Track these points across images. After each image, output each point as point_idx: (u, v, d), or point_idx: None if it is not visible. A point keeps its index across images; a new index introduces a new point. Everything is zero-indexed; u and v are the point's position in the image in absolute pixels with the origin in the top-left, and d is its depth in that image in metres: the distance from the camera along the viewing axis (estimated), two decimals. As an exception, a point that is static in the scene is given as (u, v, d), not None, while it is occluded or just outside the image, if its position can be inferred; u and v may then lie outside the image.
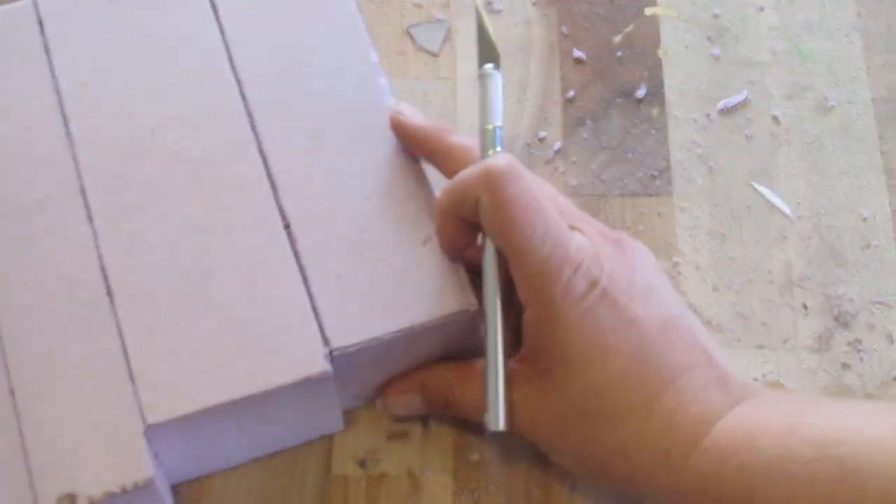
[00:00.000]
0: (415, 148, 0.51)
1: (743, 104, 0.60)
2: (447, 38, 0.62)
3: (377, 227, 0.49)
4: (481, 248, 0.47)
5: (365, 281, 0.48)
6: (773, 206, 0.58)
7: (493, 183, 0.45)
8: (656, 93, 0.61)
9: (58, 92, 0.51)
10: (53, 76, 0.51)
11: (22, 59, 0.52)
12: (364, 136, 0.51)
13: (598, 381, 0.44)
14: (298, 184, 0.49)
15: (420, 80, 0.60)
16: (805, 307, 0.55)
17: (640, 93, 0.61)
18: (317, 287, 0.47)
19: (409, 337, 0.47)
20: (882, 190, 0.58)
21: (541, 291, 0.45)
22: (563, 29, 0.62)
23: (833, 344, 0.54)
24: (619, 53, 0.62)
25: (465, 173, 0.47)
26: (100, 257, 0.48)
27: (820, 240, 0.57)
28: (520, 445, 0.50)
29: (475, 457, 0.51)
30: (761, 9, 0.63)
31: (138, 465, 0.44)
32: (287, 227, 0.49)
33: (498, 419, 0.46)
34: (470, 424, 0.51)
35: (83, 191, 0.49)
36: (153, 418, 0.45)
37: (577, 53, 0.62)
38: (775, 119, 0.60)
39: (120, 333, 0.46)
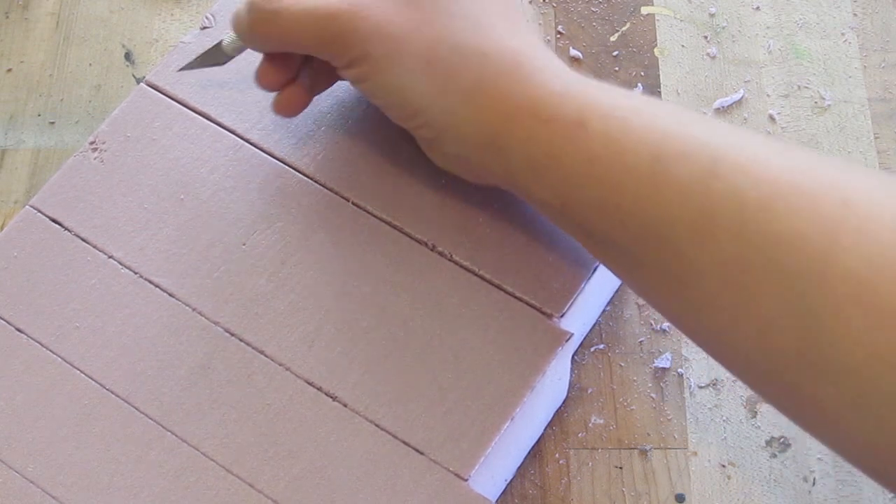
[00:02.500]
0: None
1: (739, 103, 0.60)
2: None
3: None
4: None
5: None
6: (768, 206, 0.58)
7: None
8: (653, 92, 0.61)
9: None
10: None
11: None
12: None
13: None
14: None
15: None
16: (800, 306, 0.55)
17: (637, 91, 0.61)
18: None
19: None
20: (877, 189, 0.58)
21: None
22: (560, 28, 0.62)
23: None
24: (615, 52, 0.62)
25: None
26: None
27: (815, 239, 0.57)
28: (516, 445, 0.50)
29: (471, 456, 0.51)
30: (757, 8, 0.63)
31: None
32: None
33: None
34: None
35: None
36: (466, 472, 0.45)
37: (574, 52, 0.62)
38: (771, 118, 0.60)
39: None
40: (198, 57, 0.52)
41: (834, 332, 0.37)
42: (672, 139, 0.42)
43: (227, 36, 0.50)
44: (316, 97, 0.52)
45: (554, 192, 0.44)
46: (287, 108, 0.50)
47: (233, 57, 0.51)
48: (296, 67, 0.49)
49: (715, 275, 0.40)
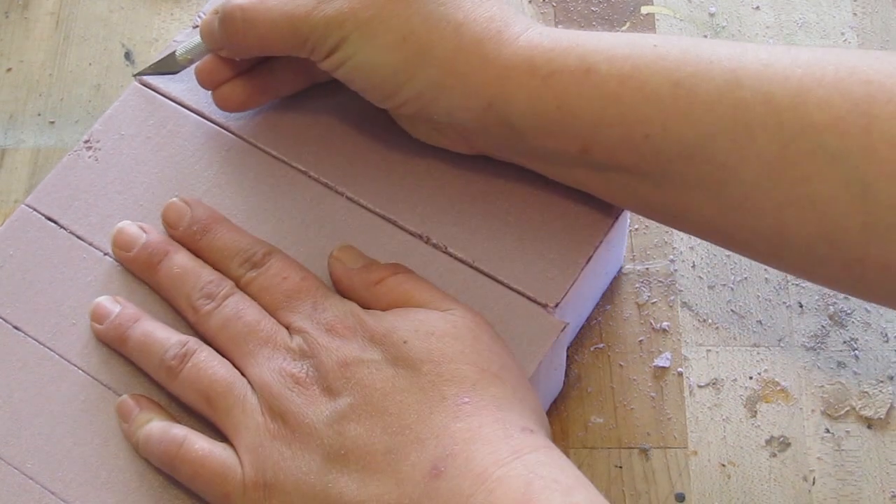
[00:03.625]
0: None
1: (739, 103, 0.60)
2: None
3: None
4: None
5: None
6: (768, 205, 0.58)
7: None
8: (652, 91, 0.61)
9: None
10: None
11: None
12: None
13: None
14: None
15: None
16: (800, 305, 0.55)
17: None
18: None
19: None
20: (878, 188, 0.58)
21: None
22: (560, 28, 0.62)
23: (828, 342, 0.54)
24: (615, 52, 0.62)
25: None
26: None
27: (816, 238, 0.57)
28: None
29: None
30: (757, 8, 0.63)
31: None
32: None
33: None
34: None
35: None
36: None
37: (574, 52, 0.62)
38: (771, 118, 0.60)
39: None
40: (152, 64, 0.53)
41: (894, 197, 0.40)
42: (684, 62, 0.43)
43: (181, 46, 0.52)
44: (308, 93, 0.52)
45: (573, 140, 0.45)
46: (226, 103, 0.51)
47: (185, 67, 0.52)
48: (239, 66, 0.51)
49: (761, 175, 0.42)
